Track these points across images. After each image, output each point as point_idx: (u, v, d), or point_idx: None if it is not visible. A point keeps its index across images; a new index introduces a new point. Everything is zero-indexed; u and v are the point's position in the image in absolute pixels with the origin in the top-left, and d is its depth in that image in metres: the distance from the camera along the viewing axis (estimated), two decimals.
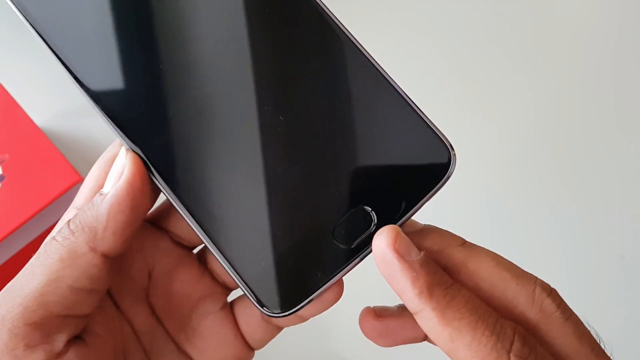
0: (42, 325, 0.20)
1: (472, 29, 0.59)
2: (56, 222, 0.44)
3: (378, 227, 0.21)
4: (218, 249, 0.21)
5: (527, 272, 0.21)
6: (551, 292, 0.21)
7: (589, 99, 0.56)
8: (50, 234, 0.23)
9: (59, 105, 0.52)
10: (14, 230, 0.41)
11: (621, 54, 0.58)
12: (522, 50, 0.58)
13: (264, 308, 0.21)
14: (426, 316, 0.19)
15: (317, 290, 0.21)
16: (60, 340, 0.20)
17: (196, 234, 0.22)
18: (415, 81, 0.56)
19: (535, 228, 0.50)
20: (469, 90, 0.56)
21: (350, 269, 0.21)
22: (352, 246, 0.21)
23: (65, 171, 0.43)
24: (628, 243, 0.49)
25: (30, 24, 0.23)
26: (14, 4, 0.23)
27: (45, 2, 0.23)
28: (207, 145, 0.22)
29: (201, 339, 0.24)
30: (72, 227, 0.21)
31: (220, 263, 0.21)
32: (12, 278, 0.45)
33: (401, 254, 0.19)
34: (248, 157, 0.22)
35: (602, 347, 0.21)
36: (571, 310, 0.21)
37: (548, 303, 0.20)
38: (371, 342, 0.23)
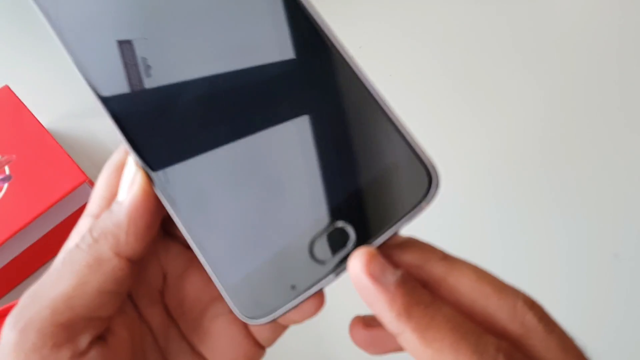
0: (68, 326, 0.21)
1: (469, 32, 0.60)
2: (63, 221, 0.45)
3: (356, 245, 0.20)
4: (203, 257, 0.22)
5: (509, 286, 0.20)
6: (533, 306, 0.20)
7: (583, 98, 0.57)
8: (68, 242, 0.24)
9: (65, 106, 0.53)
10: (22, 228, 0.42)
11: (615, 58, 0.59)
12: (518, 53, 0.59)
13: (242, 314, 0.22)
14: (407, 338, 0.19)
15: (291, 303, 0.21)
16: (84, 341, 0.21)
17: (188, 242, 0.23)
18: (409, 84, 0.57)
19: (530, 227, 0.50)
20: (465, 93, 0.57)
21: (326, 285, 0.21)
22: (329, 262, 0.21)
23: (71, 171, 0.44)
24: (622, 241, 0.49)
25: (59, 38, 0.23)
26: (46, 19, 0.23)
27: (75, 21, 0.24)
28: (191, 157, 0.23)
29: (213, 340, 0.25)
30: (94, 235, 0.22)
31: (206, 269, 0.22)
32: (21, 274, 0.46)
33: (375, 277, 0.19)
34: (232, 171, 0.22)
35: (589, 358, 0.20)
36: (555, 323, 0.20)
37: (530, 317, 0.19)
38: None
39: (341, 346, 0.45)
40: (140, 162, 0.23)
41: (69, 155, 0.45)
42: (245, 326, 0.25)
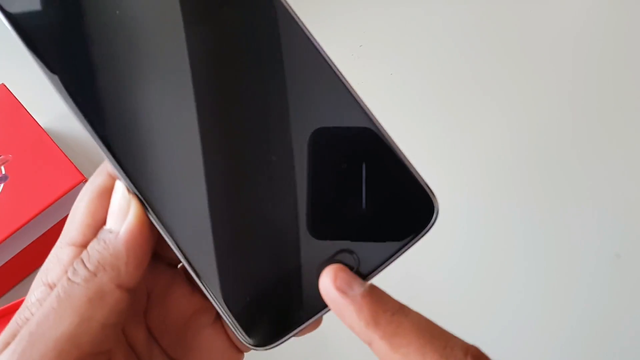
0: None
1: (470, 30, 0.60)
2: (59, 222, 0.45)
3: (359, 270, 0.21)
4: (209, 288, 0.22)
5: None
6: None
7: (586, 98, 0.56)
8: (46, 271, 0.23)
9: (62, 105, 0.52)
10: (18, 229, 0.42)
11: (619, 58, 0.59)
12: (521, 51, 0.59)
13: (248, 342, 0.22)
14: (377, 345, 0.19)
15: (297, 328, 0.22)
16: None
17: (189, 271, 0.22)
18: (410, 83, 0.57)
19: (531, 227, 0.50)
20: (466, 91, 0.57)
21: (330, 309, 0.21)
22: None
23: (68, 171, 0.43)
24: (624, 242, 0.49)
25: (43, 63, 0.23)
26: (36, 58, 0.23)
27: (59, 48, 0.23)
28: (197, 186, 0.22)
29: (199, 352, 0.25)
30: (91, 268, 0.21)
31: (208, 298, 0.22)
32: (17, 276, 0.46)
33: (343, 290, 0.20)
34: (237, 198, 0.22)
35: None
36: None
37: None
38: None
39: (338, 344, 0.45)
40: (132, 188, 0.22)
41: (65, 155, 0.44)
42: (227, 335, 0.25)
